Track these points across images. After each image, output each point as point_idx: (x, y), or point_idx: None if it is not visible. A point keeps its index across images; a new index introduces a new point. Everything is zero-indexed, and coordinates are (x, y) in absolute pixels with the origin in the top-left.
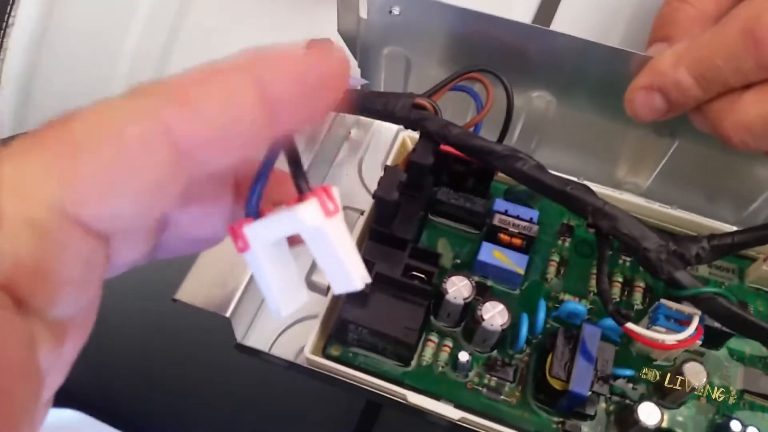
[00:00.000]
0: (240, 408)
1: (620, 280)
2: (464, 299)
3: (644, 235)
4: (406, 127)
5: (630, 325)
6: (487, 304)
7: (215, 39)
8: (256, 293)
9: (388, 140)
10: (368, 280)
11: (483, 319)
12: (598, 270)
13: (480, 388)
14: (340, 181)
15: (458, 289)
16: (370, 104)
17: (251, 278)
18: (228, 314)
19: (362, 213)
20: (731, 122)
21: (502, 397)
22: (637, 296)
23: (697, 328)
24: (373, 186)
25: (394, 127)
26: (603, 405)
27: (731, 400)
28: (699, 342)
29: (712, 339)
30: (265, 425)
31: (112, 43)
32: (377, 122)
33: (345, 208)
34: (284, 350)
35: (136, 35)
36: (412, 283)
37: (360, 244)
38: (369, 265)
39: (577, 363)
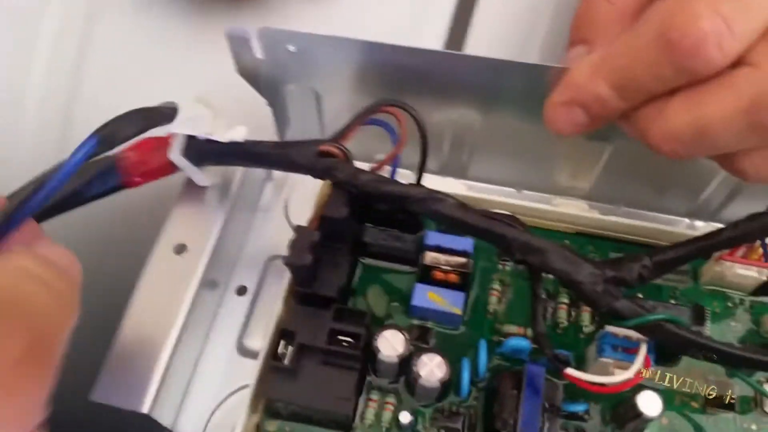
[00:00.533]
0: None
1: (566, 301)
2: (398, 355)
3: (576, 267)
4: (315, 177)
5: (570, 372)
6: (423, 358)
7: (117, 83)
8: (179, 375)
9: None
10: None
11: (420, 376)
12: (532, 311)
13: None
14: (266, 227)
15: (391, 345)
16: (274, 158)
17: (169, 363)
18: (146, 409)
19: None
20: (659, 131)
21: None
22: (585, 317)
23: (644, 361)
24: None
25: None
26: None
27: (695, 415)
28: (650, 371)
29: (665, 358)
30: None
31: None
32: None
33: (274, 257)
34: (222, 428)
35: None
36: (338, 349)
37: (288, 300)
38: (291, 335)
39: (522, 410)
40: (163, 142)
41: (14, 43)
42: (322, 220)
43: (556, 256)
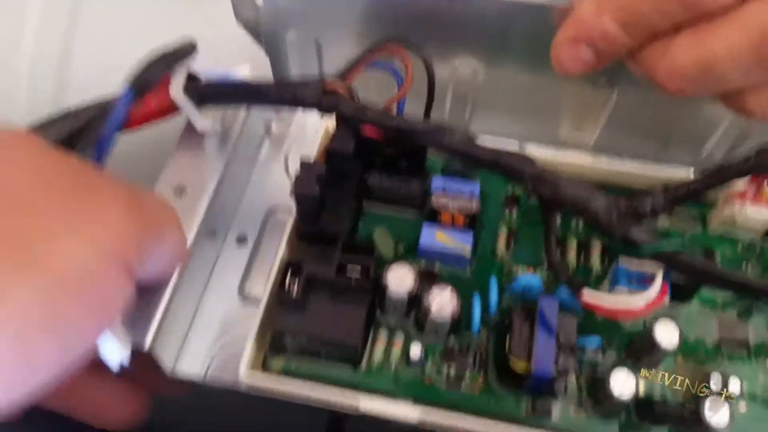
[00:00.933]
0: None
1: (575, 243)
2: (407, 291)
3: (590, 195)
4: (321, 112)
5: (586, 294)
6: (434, 291)
7: (111, 39)
8: (180, 318)
9: (313, 130)
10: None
11: (430, 310)
12: (545, 241)
13: (439, 381)
14: (266, 181)
15: (400, 280)
16: (279, 95)
17: (169, 303)
18: (146, 347)
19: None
20: (665, 69)
21: (464, 386)
22: (595, 258)
23: (661, 287)
24: None
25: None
26: (574, 378)
27: (709, 354)
28: (666, 300)
29: (680, 293)
30: None
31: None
32: (299, 113)
33: (274, 209)
34: (224, 370)
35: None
36: (347, 281)
37: (291, 246)
38: (298, 267)
39: (537, 341)
40: (162, 82)
41: (4, 7)
42: (328, 155)
43: (569, 185)
